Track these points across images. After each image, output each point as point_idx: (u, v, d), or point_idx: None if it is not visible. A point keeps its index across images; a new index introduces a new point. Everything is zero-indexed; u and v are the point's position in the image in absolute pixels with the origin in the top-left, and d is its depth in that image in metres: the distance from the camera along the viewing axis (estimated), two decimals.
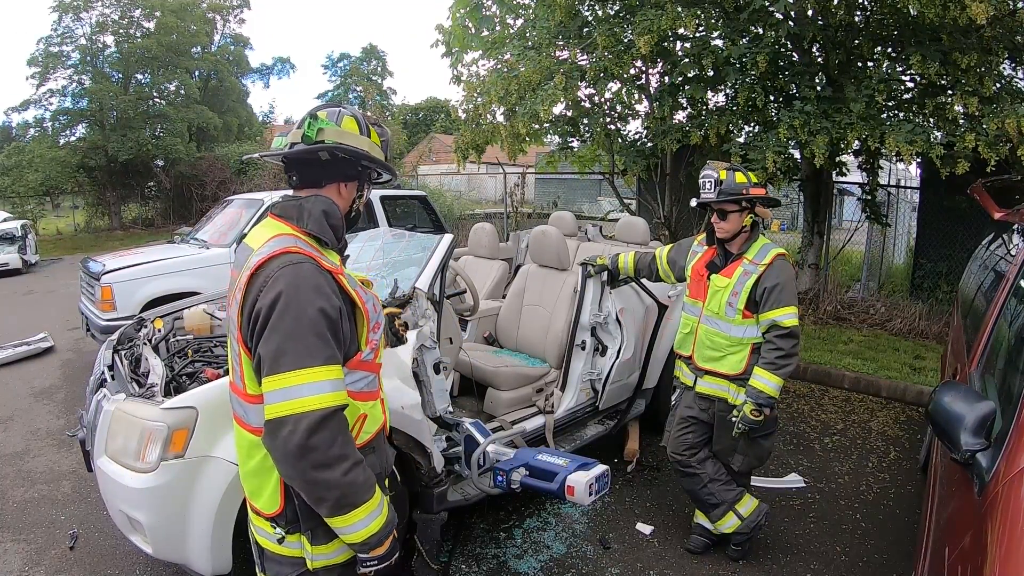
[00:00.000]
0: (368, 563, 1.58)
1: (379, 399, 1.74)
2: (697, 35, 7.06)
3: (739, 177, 2.91)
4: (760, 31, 6.70)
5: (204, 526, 2.41)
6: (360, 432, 1.62)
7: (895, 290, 8.43)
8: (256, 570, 1.73)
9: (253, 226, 1.74)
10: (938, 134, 6.11)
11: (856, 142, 6.13)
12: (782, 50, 6.79)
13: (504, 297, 4.51)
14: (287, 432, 1.41)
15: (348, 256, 1.79)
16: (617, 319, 3.81)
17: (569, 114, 7.96)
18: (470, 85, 7.84)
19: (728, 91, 7.24)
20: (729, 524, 3.10)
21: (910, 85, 6.76)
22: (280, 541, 1.59)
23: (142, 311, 5.27)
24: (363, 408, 1.63)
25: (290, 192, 1.72)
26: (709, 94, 7.25)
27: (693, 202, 3.06)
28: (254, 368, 1.50)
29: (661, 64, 7.64)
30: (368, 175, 1.74)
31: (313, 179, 1.66)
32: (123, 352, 3.27)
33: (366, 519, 1.51)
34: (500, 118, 7.79)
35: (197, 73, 25.31)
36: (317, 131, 1.59)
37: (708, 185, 2.93)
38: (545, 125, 8.00)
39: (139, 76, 22.57)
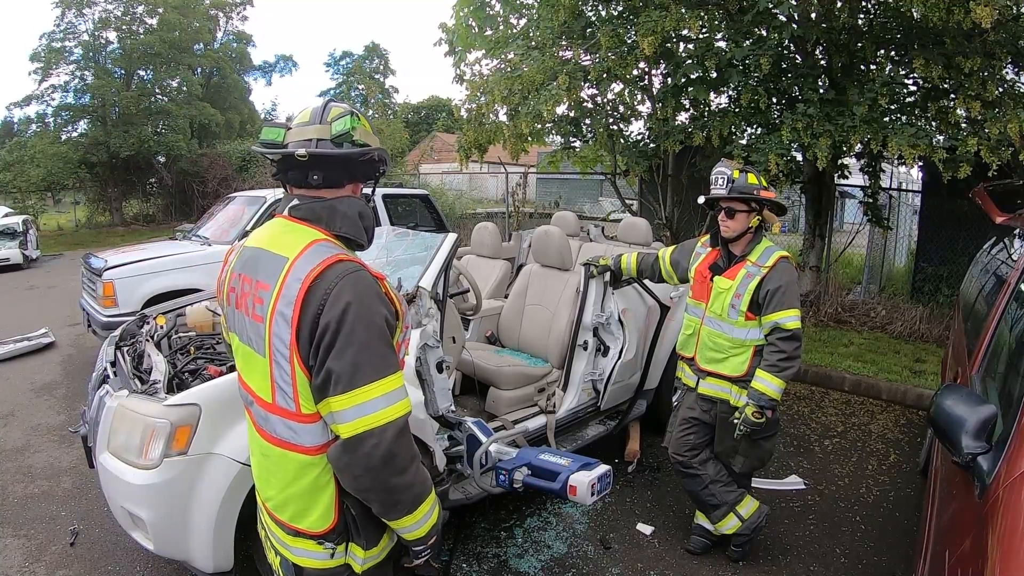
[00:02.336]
0: (422, 553, 1.58)
1: None
2: (701, 36, 7.07)
3: (751, 178, 2.92)
4: (763, 33, 6.71)
5: (206, 523, 2.41)
6: None
7: (896, 293, 8.44)
8: None
9: (257, 223, 1.67)
10: (940, 137, 6.11)
11: (858, 145, 6.14)
12: (785, 52, 6.79)
13: (506, 297, 4.52)
14: (371, 446, 1.38)
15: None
16: (619, 320, 3.81)
17: (572, 114, 7.97)
18: (473, 84, 7.84)
19: (731, 93, 7.23)
20: (730, 525, 3.11)
21: (913, 88, 6.75)
22: (332, 556, 1.55)
23: (144, 307, 5.28)
24: None
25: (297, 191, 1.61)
26: (712, 95, 7.26)
27: (701, 199, 3.07)
28: (316, 386, 1.42)
29: (664, 65, 7.63)
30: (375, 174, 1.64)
31: (337, 180, 1.54)
32: (125, 348, 3.28)
33: (430, 511, 1.53)
34: (503, 117, 7.80)
35: (199, 70, 25.38)
36: (352, 128, 1.49)
37: (720, 181, 2.94)
38: (548, 125, 8.01)
39: (141, 72, 22.68)
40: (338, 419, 1.39)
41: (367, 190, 1.66)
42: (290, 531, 1.56)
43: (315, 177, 1.50)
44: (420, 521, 1.51)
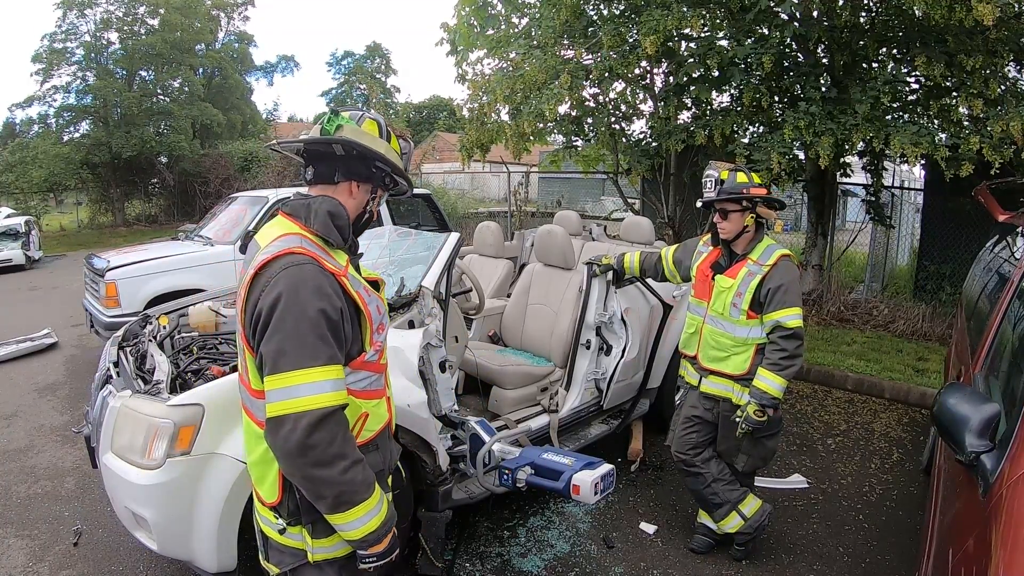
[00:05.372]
0: (367, 559, 1.59)
1: (384, 397, 1.75)
2: (703, 35, 7.06)
3: (740, 177, 2.92)
4: (765, 32, 6.70)
5: (210, 523, 2.42)
6: (362, 430, 1.65)
7: (898, 292, 8.42)
8: (260, 558, 1.75)
9: (260, 223, 1.75)
10: (943, 136, 6.10)
11: (861, 143, 6.13)
12: (787, 51, 6.79)
13: (509, 296, 4.52)
14: (287, 430, 1.43)
15: (361, 255, 1.80)
16: (622, 319, 3.82)
17: (574, 113, 7.97)
18: (475, 84, 7.85)
19: (733, 92, 7.23)
20: (732, 524, 3.11)
21: (915, 87, 6.75)
22: (282, 532, 1.62)
23: (146, 308, 5.29)
24: (365, 406, 1.65)
25: (303, 189, 1.72)
26: (714, 94, 7.26)
27: (699, 203, 3.08)
28: (257, 365, 1.53)
29: (666, 64, 7.64)
30: (383, 179, 1.71)
31: (327, 176, 1.65)
32: (128, 349, 3.28)
33: (364, 517, 1.53)
34: (505, 117, 7.81)
35: (201, 70, 25.35)
36: (336, 128, 1.61)
37: (709, 184, 2.95)
38: (550, 124, 8.02)
39: (143, 73, 22.66)
40: (267, 398, 1.48)
41: (370, 194, 1.72)
42: (258, 497, 1.66)
43: (309, 173, 1.67)
44: (352, 523, 1.53)
